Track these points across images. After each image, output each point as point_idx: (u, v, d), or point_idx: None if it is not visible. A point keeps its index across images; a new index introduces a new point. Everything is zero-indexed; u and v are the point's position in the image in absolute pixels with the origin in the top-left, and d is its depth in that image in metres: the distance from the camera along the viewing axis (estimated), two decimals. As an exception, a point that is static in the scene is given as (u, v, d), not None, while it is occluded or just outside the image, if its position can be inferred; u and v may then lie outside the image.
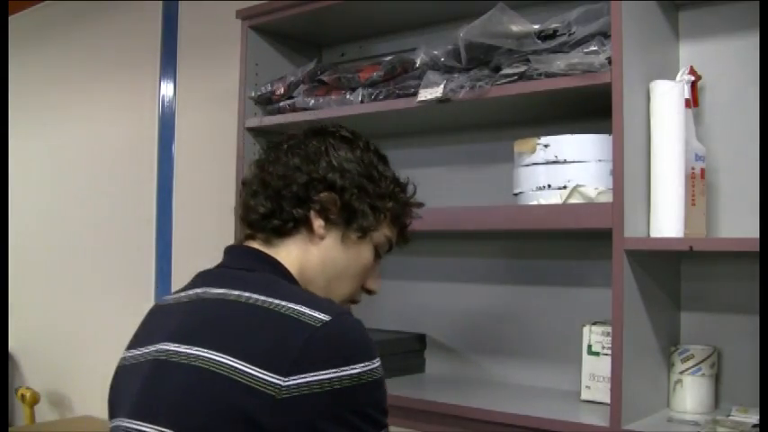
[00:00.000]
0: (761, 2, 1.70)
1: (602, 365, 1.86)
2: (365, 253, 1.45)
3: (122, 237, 3.48)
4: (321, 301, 1.27)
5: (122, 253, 3.46)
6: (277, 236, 1.40)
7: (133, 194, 3.44)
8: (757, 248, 1.54)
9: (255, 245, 1.42)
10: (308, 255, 1.40)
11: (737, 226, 1.88)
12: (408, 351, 2.33)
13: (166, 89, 3.31)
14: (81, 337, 3.64)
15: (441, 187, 2.36)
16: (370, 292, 1.52)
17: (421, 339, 2.39)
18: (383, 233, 1.47)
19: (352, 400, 1.18)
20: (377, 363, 1.22)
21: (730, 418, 1.72)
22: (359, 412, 1.19)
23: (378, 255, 1.49)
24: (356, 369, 1.18)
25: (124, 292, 3.37)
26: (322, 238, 1.40)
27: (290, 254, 1.40)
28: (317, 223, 1.39)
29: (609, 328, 1.78)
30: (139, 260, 3.35)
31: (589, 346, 1.92)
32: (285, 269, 1.38)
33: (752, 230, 1.80)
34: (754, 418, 1.68)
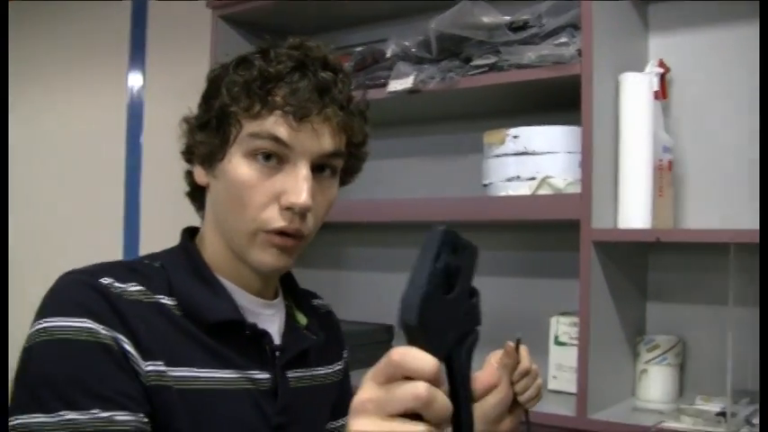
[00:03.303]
0: (761, 2, 1.71)
1: (569, 356, 1.88)
2: (234, 171, 1.12)
3: (90, 228, 3.45)
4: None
5: (90, 244, 3.43)
6: (200, 206, 1.26)
7: (101, 185, 3.42)
8: (724, 240, 1.56)
9: None
10: (210, 212, 1.21)
11: (704, 217, 1.90)
12: (376, 342, 2.33)
13: (135, 79, 3.29)
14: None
15: (410, 178, 2.37)
16: (289, 208, 1.10)
17: (388, 330, 2.39)
18: (245, 135, 1.11)
19: (18, 366, 1.02)
20: (50, 322, 1.01)
21: (694, 406, 1.73)
22: (22, 383, 1.01)
23: (266, 164, 1.11)
24: (34, 328, 1.02)
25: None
26: (209, 185, 1.19)
27: (204, 218, 1.23)
28: (197, 171, 1.20)
29: (576, 319, 1.79)
30: (107, 251, 3.32)
31: (556, 337, 1.94)
32: (187, 247, 1.20)
33: (718, 222, 1.83)
34: (717, 406, 1.69)
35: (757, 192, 1.81)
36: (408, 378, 0.73)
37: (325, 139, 1.13)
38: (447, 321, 0.79)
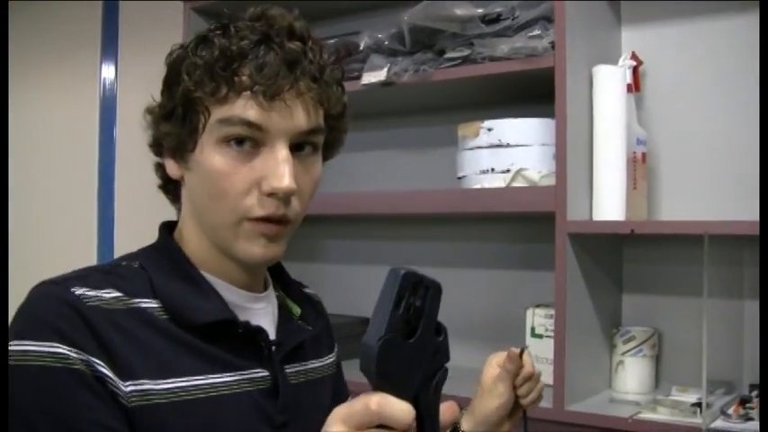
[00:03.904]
0: (761, 2, 1.71)
1: (546, 348, 1.87)
2: (208, 161, 1.04)
3: (64, 221, 3.43)
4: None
5: (63, 237, 3.41)
6: (175, 200, 1.18)
7: (74, 178, 3.39)
8: (697, 231, 1.57)
9: None
10: (187, 205, 1.14)
11: (678, 209, 1.91)
12: (351, 335, 2.33)
13: (107, 72, 3.26)
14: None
15: (384, 171, 2.36)
16: (271, 194, 1.04)
17: (364, 323, 2.39)
18: (215, 122, 1.04)
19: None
20: (18, 346, 0.95)
21: (670, 397, 1.74)
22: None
23: (241, 151, 1.04)
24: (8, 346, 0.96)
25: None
26: (182, 177, 1.11)
27: (183, 215, 1.16)
28: (168, 164, 1.12)
29: (552, 311, 1.80)
30: (81, 244, 3.30)
31: (532, 329, 1.94)
32: (167, 243, 1.15)
33: (691, 214, 1.84)
34: (693, 397, 1.71)
35: (731, 183, 1.82)
36: (382, 426, 0.74)
37: (300, 116, 1.04)
38: (411, 364, 0.78)
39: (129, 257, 1.12)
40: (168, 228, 1.18)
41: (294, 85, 1.03)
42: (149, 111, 1.12)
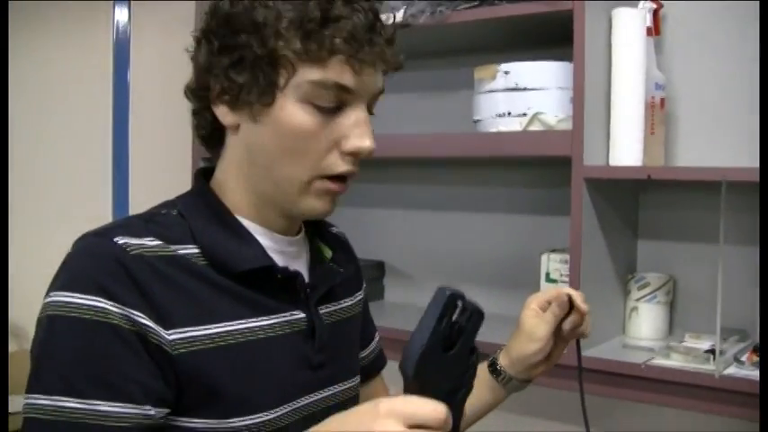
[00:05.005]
0: (761, 2, 1.68)
1: (560, 293, 1.87)
2: (291, 119, 1.04)
3: (78, 166, 3.43)
4: (118, 221, 1.10)
5: (78, 183, 3.41)
6: (214, 146, 1.17)
7: (88, 123, 3.38)
8: (715, 178, 1.56)
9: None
10: (237, 154, 1.12)
11: (695, 155, 1.89)
12: (367, 279, 2.33)
13: (120, 14, 3.24)
14: (38, 269, 3.60)
15: (400, 114, 2.34)
16: (353, 154, 1.08)
17: (380, 267, 2.39)
18: (302, 81, 1.03)
19: (33, 337, 1.00)
20: (61, 297, 0.97)
21: (683, 344, 1.74)
22: (33, 355, 0.99)
23: (325, 110, 1.05)
24: (46, 299, 0.99)
25: (80, 222, 3.32)
26: (237, 126, 1.09)
27: (225, 162, 1.14)
28: (220, 111, 1.09)
29: (567, 256, 1.79)
30: (96, 190, 3.30)
31: (547, 274, 1.93)
32: (204, 191, 1.14)
33: (708, 160, 1.82)
34: (706, 343, 1.70)
35: (749, 130, 1.80)
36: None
37: (378, 79, 1.09)
38: (443, 375, 0.90)
39: (166, 205, 1.13)
40: (204, 175, 1.18)
41: (381, 50, 1.06)
42: (200, 55, 1.09)
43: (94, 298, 0.96)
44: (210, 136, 1.15)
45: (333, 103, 1.05)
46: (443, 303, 0.88)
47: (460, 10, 1.89)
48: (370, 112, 1.11)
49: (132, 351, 0.96)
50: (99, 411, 0.93)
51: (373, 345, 1.46)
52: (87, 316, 0.95)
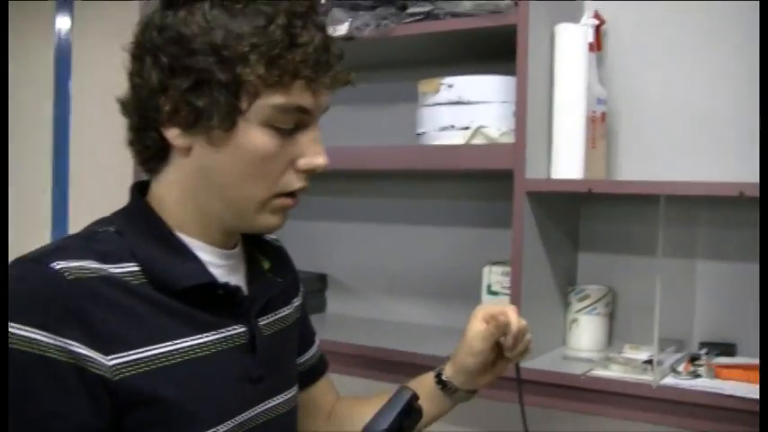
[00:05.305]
0: (761, 2, 1.71)
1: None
2: (252, 142, 1.04)
3: (17, 175, 3.37)
4: (53, 243, 1.06)
5: (17, 191, 3.36)
6: (154, 163, 1.12)
7: (28, 133, 3.33)
8: (654, 192, 1.58)
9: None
10: (185, 174, 1.09)
11: (635, 169, 1.92)
12: (309, 291, 2.33)
13: (62, 23, 3.20)
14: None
15: (343, 126, 2.34)
16: (309, 171, 1.10)
17: (322, 279, 2.38)
18: (264, 105, 1.03)
19: None
20: (9, 326, 0.94)
21: (623, 355, 1.77)
22: None
23: (283, 131, 1.06)
24: None
25: (19, 233, 3.27)
26: (189, 148, 1.06)
27: (167, 179, 1.11)
28: (171, 134, 1.06)
29: (508, 269, 1.80)
30: (35, 200, 3.25)
31: (488, 286, 1.95)
32: (142, 207, 1.12)
33: (649, 174, 1.85)
34: (644, 354, 1.73)
35: (689, 144, 1.84)
36: None
37: (328, 97, 1.12)
38: None
39: (103, 222, 1.11)
40: (140, 189, 1.16)
41: (336, 71, 1.09)
42: (145, 72, 1.06)
43: (27, 328, 0.94)
44: (153, 156, 1.12)
45: (292, 125, 1.07)
46: (407, 401, 1.12)
47: (405, 23, 1.90)
48: None
49: (65, 387, 0.95)
50: None
51: (314, 349, 1.47)
52: (23, 348, 0.94)
